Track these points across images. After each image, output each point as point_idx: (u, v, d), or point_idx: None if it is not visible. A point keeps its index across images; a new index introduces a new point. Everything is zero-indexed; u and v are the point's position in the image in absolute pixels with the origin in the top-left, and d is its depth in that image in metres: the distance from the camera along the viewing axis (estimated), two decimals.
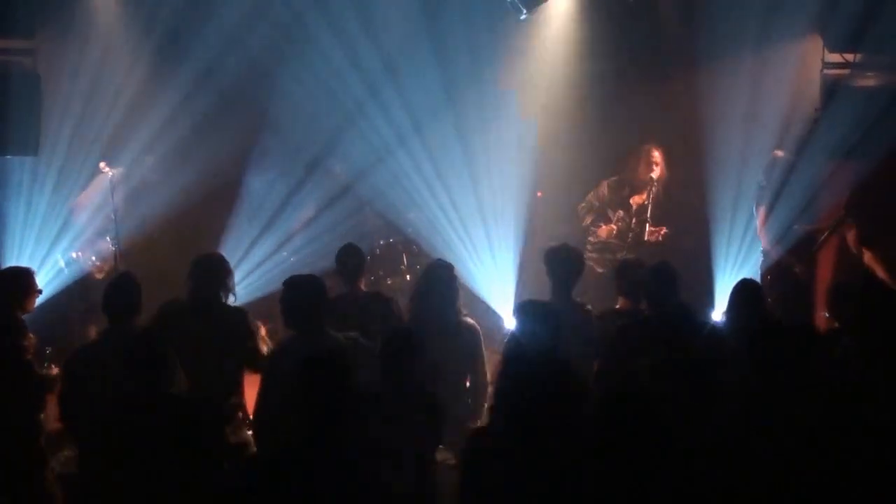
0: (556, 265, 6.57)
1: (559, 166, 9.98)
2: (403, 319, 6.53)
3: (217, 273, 6.46)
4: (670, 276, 6.11)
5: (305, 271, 6.84)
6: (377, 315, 6.47)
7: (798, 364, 4.34)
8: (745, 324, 5.72)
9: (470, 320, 6.55)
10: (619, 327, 6.14)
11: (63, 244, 8.75)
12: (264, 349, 6.42)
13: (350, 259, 6.90)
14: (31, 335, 6.37)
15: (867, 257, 8.46)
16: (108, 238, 8.75)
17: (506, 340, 6.18)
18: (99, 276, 8.72)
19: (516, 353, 5.35)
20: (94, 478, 5.07)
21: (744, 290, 6.11)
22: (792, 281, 8.50)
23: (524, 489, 4.02)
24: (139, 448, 4.77)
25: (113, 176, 8.66)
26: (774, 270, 8.54)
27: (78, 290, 8.62)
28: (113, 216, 8.59)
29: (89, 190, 8.92)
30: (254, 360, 6.27)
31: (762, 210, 8.57)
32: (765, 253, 8.63)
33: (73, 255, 8.81)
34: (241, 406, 6.34)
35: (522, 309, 5.55)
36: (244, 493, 4.12)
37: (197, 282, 6.40)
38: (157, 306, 6.33)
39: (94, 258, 8.82)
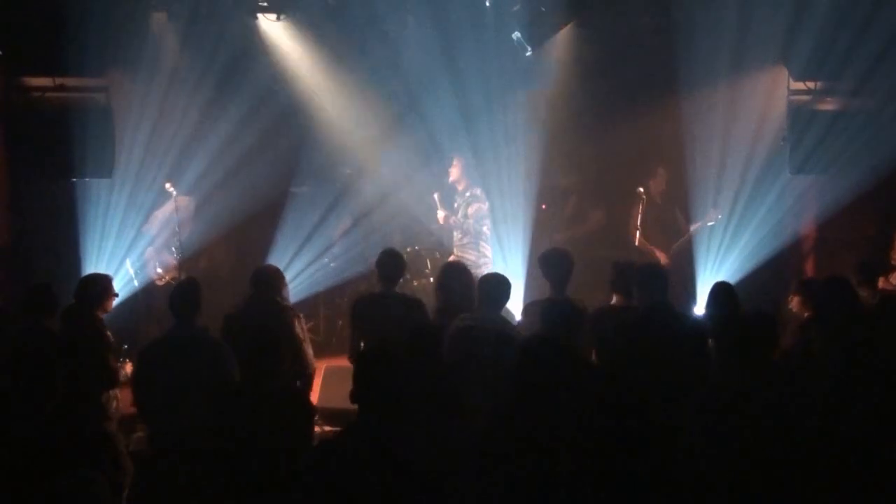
0: (549, 267, 6.33)
1: (559, 183, 10.08)
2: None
3: (274, 282, 6.55)
4: (658, 275, 6.04)
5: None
6: (411, 316, 6.07)
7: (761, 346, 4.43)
8: (721, 317, 5.81)
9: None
10: (615, 320, 5.94)
11: (134, 254, 8.77)
12: (308, 351, 6.43)
13: (389, 262, 6.51)
14: (109, 333, 6.41)
15: None
16: (172, 249, 8.78)
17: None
18: (160, 283, 8.76)
19: (528, 344, 5.24)
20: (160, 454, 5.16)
21: (718, 290, 6.19)
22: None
23: (540, 456, 3.95)
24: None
25: (177, 195, 8.66)
26: None
27: (142, 296, 8.66)
28: (177, 229, 8.61)
29: (161, 209, 8.94)
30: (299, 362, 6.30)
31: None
32: None
33: (146, 257, 8.78)
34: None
35: (529, 307, 5.42)
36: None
37: (257, 289, 6.48)
38: (213, 307, 6.33)
39: (157, 268, 8.83)
